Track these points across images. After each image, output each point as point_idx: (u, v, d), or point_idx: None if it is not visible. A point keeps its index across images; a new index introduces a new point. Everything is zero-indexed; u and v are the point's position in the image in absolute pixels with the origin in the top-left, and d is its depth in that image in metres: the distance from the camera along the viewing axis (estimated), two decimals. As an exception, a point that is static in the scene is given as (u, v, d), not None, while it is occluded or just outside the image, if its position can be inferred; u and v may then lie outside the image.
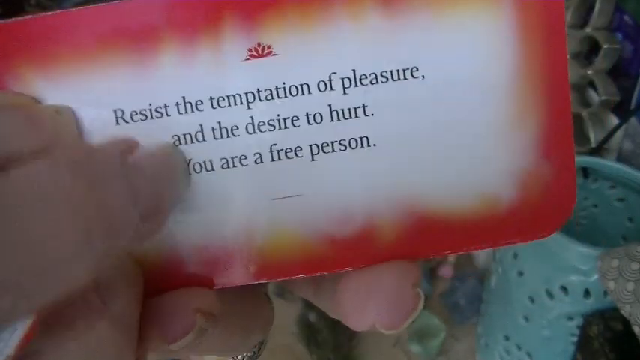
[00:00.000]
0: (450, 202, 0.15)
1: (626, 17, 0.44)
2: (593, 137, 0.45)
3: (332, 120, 0.15)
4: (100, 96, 0.14)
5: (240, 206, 0.15)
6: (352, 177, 0.15)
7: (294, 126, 0.15)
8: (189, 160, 0.15)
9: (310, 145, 0.15)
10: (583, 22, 0.46)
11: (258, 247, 0.15)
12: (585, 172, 0.43)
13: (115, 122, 0.14)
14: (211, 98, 0.14)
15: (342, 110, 0.15)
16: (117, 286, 0.14)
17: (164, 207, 0.14)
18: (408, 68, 0.15)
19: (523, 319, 0.40)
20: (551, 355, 0.39)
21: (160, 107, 0.14)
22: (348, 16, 0.14)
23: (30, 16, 0.14)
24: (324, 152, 0.15)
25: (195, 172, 0.15)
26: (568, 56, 0.15)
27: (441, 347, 0.49)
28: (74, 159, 0.12)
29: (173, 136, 0.15)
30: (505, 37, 0.15)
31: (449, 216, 0.15)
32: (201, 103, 0.14)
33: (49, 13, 0.14)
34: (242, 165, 0.15)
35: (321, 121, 0.15)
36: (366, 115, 0.15)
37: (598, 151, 0.45)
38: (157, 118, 0.14)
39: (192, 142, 0.15)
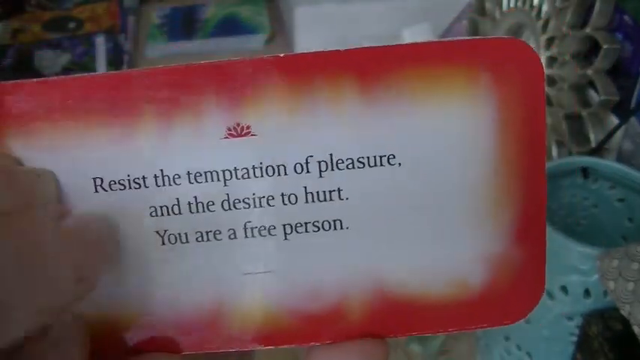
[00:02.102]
0: (421, 285, 0.15)
1: (626, 17, 0.44)
2: (593, 137, 0.45)
3: (307, 202, 0.15)
4: (79, 163, 0.15)
5: (211, 278, 0.15)
6: (324, 257, 0.15)
7: (269, 205, 0.15)
8: (165, 231, 0.15)
9: (284, 225, 0.15)
10: (583, 22, 0.46)
11: (227, 317, 0.15)
12: (585, 172, 0.43)
13: (93, 190, 0.15)
14: (189, 173, 0.15)
15: (317, 193, 0.15)
16: (67, 349, 0.14)
17: (95, 272, 0.14)
18: (384, 155, 0.15)
19: (523, 320, 0.40)
20: (551, 355, 0.39)
21: (138, 179, 0.15)
22: (327, 101, 0.15)
23: (13, 82, 0.14)
24: (298, 232, 0.15)
25: (171, 243, 0.15)
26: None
27: (441, 347, 0.49)
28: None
29: (150, 207, 0.15)
30: (483, 128, 0.15)
31: (419, 298, 0.15)
32: (179, 177, 0.15)
33: (34, 80, 0.14)
34: (216, 239, 0.15)
35: (296, 202, 0.15)
36: (340, 198, 0.15)
37: (598, 151, 0.45)
38: (135, 189, 0.15)
39: (168, 214, 0.15)
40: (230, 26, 0.86)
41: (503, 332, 0.42)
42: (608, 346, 0.34)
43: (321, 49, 0.15)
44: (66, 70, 0.77)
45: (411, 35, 0.66)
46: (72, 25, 0.84)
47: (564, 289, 0.37)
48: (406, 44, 0.15)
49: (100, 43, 0.80)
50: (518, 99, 0.15)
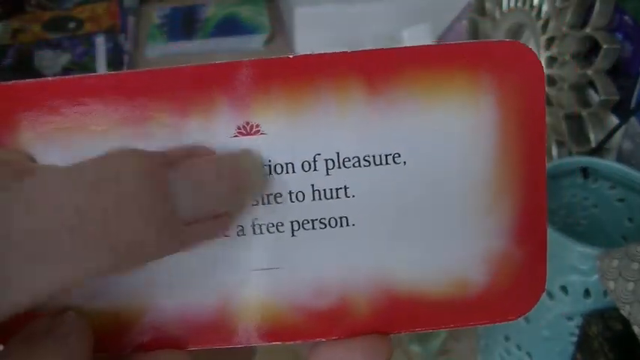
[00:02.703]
0: (424, 282, 0.16)
1: (626, 17, 0.44)
2: (593, 137, 0.45)
3: (314, 199, 0.15)
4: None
5: (220, 274, 0.15)
6: (330, 253, 0.15)
7: (277, 202, 0.15)
8: None
9: (291, 222, 0.15)
10: (583, 22, 0.46)
11: (235, 313, 0.16)
12: (585, 172, 0.43)
13: None
14: None
15: (324, 190, 0.15)
16: (69, 345, 0.14)
17: (218, 211, 0.14)
18: (390, 154, 0.15)
19: (523, 320, 0.40)
20: (551, 355, 0.39)
21: None
22: (335, 101, 0.15)
23: (31, 80, 0.15)
24: (305, 229, 0.15)
25: None
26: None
27: (441, 347, 0.49)
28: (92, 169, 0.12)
29: None
30: (485, 128, 0.15)
31: (422, 296, 0.16)
32: None
33: (48, 78, 0.15)
34: (225, 236, 0.15)
35: (304, 199, 0.15)
36: (347, 196, 0.15)
37: (598, 151, 0.45)
38: None
39: None
40: (230, 26, 0.86)
41: (503, 332, 0.42)
42: (608, 346, 0.34)
43: (327, 51, 0.15)
44: (66, 70, 0.77)
45: (411, 35, 0.66)
46: (72, 25, 0.84)
47: (564, 289, 0.37)
48: (411, 47, 0.15)
49: (100, 43, 0.80)
50: (518, 100, 0.15)
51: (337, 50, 0.15)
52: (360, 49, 0.15)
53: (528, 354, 0.41)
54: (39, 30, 0.83)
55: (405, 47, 0.15)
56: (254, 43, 0.84)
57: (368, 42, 0.71)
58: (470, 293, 0.16)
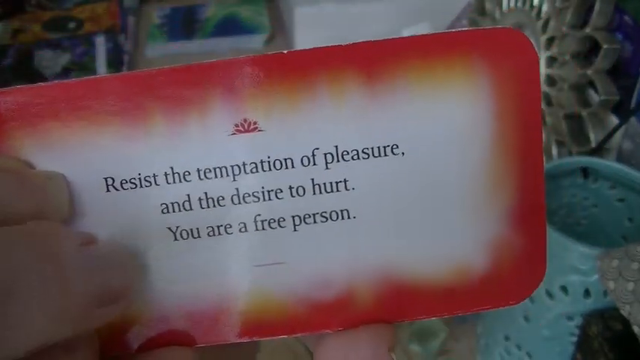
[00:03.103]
0: (426, 270, 0.16)
1: (626, 17, 0.44)
2: (593, 137, 0.45)
3: (314, 193, 0.15)
4: (91, 164, 0.15)
5: (224, 271, 0.16)
6: (332, 246, 0.16)
7: (278, 198, 0.15)
8: (177, 227, 0.15)
9: (293, 216, 0.15)
10: (583, 22, 0.46)
11: (239, 309, 0.16)
12: (585, 172, 0.43)
13: (105, 189, 0.15)
14: (198, 170, 0.15)
15: (324, 184, 0.15)
16: (75, 346, 0.14)
17: (117, 297, 0.14)
18: (388, 145, 0.15)
19: (523, 319, 0.40)
20: (551, 355, 0.39)
21: (149, 177, 0.15)
22: (331, 95, 0.15)
23: (26, 85, 0.15)
24: (306, 223, 0.16)
25: (183, 239, 0.15)
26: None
27: (441, 347, 0.49)
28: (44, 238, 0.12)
29: (161, 204, 0.15)
30: (481, 115, 0.15)
31: (424, 283, 0.16)
32: (189, 174, 0.15)
33: (41, 83, 0.15)
34: (227, 233, 0.15)
35: (304, 194, 0.15)
36: (347, 189, 0.15)
37: (598, 151, 0.45)
38: (146, 187, 0.15)
39: (179, 210, 0.15)
40: (230, 26, 0.86)
41: (503, 332, 0.42)
42: (608, 346, 0.34)
43: (323, 45, 0.15)
44: (66, 70, 0.77)
45: (411, 35, 0.66)
46: (72, 25, 0.84)
47: (564, 289, 0.37)
48: (405, 37, 0.15)
49: (100, 43, 0.80)
50: (514, 86, 0.15)
51: (334, 44, 0.15)
52: (355, 41, 0.15)
53: (528, 354, 0.41)
54: (39, 30, 0.83)
55: (399, 38, 0.15)
56: (254, 43, 0.84)
57: (368, 42, 0.71)
58: (472, 279, 0.16)
